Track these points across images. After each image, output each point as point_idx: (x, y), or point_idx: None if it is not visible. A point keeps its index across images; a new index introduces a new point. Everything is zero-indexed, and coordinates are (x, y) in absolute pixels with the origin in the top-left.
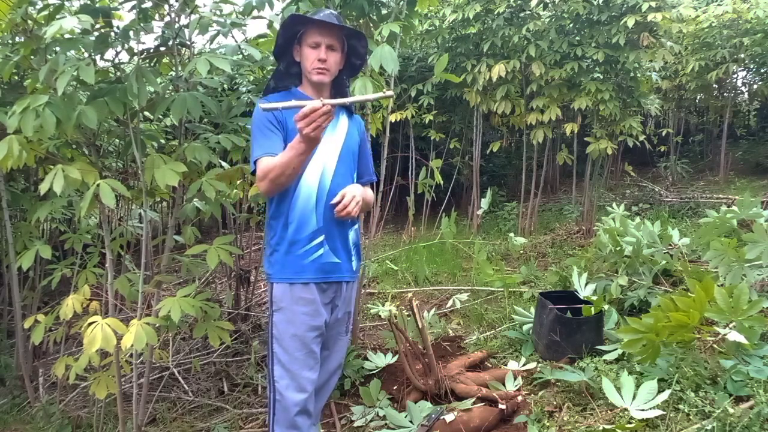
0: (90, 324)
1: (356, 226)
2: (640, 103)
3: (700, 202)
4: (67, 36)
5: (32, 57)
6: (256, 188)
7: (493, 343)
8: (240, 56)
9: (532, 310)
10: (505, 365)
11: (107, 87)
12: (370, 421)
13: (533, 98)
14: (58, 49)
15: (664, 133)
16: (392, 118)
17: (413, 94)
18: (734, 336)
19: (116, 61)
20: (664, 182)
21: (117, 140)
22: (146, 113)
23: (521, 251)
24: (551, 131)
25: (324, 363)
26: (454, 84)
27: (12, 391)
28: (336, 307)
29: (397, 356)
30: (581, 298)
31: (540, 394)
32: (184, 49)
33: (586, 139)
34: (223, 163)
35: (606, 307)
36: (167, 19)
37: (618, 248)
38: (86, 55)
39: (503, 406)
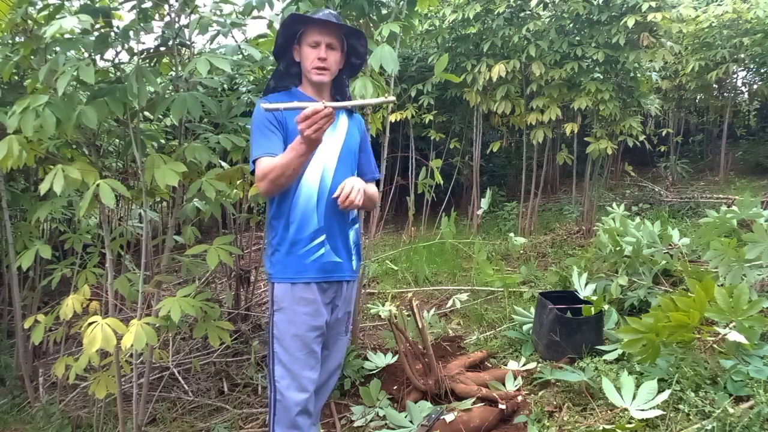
0: (90, 324)
1: (357, 226)
2: (640, 103)
3: (700, 202)
4: (67, 36)
5: (32, 57)
6: (256, 188)
7: (493, 343)
8: (240, 56)
9: (532, 310)
10: (505, 365)
11: (107, 87)
12: (370, 421)
13: (533, 98)
14: (58, 49)
15: (664, 133)
16: (392, 118)
17: (413, 94)
18: (734, 336)
19: (116, 61)
20: (664, 182)
21: (117, 140)
22: (146, 113)
23: (521, 251)
24: (551, 131)
25: (324, 363)
26: (454, 84)
27: (12, 391)
28: (336, 307)
29: (397, 356)
30: (581, 298)
31: (540, 394)
32: (184, 49)
33: (586, 139)
34: (223, 163)
35: (606, 307)
36: (167, 19)
37: (618, 248)
38: (86, 55)
39: (503, 406)
